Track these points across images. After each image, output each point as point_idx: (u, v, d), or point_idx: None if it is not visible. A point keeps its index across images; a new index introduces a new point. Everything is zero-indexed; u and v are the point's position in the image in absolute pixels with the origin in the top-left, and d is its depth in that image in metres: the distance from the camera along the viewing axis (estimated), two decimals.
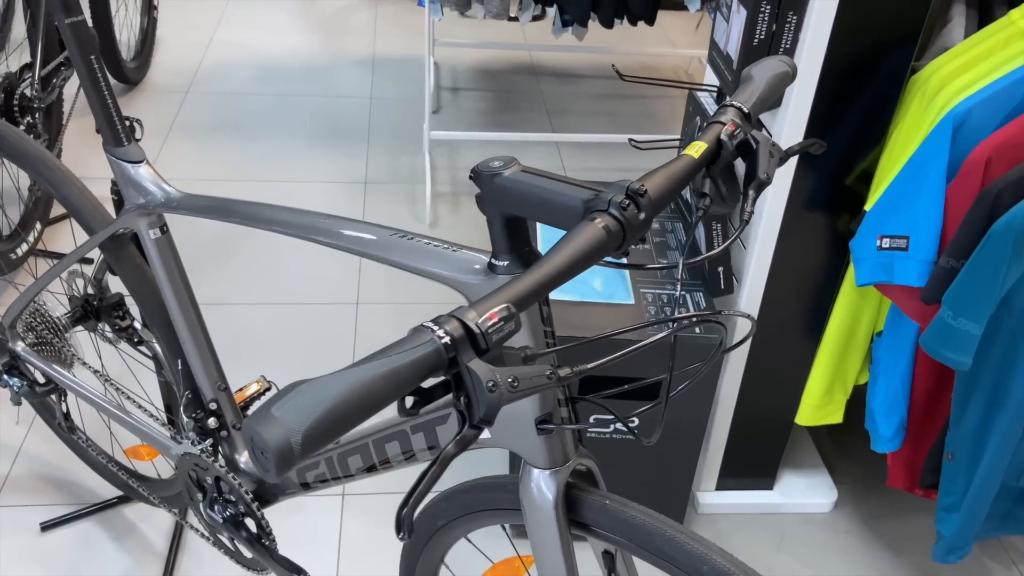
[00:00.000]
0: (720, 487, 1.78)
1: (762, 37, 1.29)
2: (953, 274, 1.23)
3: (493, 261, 0.79)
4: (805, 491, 1.81)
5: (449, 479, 1.64)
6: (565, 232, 0.66)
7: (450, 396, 0.59)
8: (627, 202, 0.68)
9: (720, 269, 1.52)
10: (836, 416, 1.67)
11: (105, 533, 1.64)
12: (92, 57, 1.05)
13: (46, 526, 1.63)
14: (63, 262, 1.28)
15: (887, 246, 1.33)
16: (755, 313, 1.54)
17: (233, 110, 3.07)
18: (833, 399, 1.65)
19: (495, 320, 0.57)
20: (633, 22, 2.41)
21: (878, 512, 1.80)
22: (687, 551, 0.82)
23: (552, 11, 2.52)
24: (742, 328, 1.57)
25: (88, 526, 1.65)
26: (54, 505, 1.68)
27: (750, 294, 1.52)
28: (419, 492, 0.59)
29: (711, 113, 1.56)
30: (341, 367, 0.52)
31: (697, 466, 1.75)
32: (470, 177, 0.76)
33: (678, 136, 1.70)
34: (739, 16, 1.32)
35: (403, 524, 0.58)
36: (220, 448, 1.29)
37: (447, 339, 0.55)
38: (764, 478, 1.79)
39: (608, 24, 2.39)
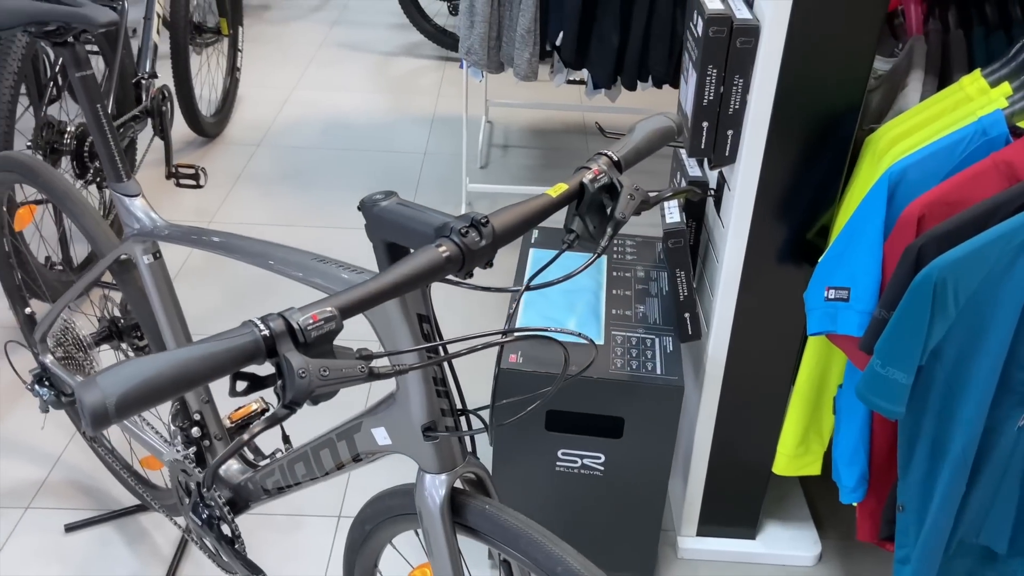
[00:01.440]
0: (701, 532, 1.82)
1: (711, 98, 1.39)
2: (884, 324, 1.27)
3: None
4: (788, 543, 1.82)
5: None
6: None
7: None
8: (468, 229, 0.78)
9: (687, 315, 1.59)
10: (814, 467, 1.70)
11: (120, 537, 1.79)
12: (99, 106, 1.23)
13: (70, 527, 1.80)
14: (80, 282, 1.45)
15: (832, 297, 1.38)
16: (723, 359, 1.60)
17: (297, 162, 3.30)
18: (809, 449, 1.68)
19: (316, 320, 0.69)
20: (657, 85, 2.52)
21: (861, 568, 1.79)
22: (546, 552, 0.90)
23: (586, 74, 2.65)
24: (712, 373, 1.62)
25: (107, 530, 1.81)
26: (81, 509, 1.85)
27: (716, 340, 1.58)
28: (223, 456, 0.70)
29: (689, 168, 1.65)
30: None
31: (676, 509, 1.80)
32: (358, 208, 0.88)
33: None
34: (692, 78, 1.42)
35: (204, 480, 0.70)
36: (205, 456, 1.43)
37: (266, 331, 0.67)
38: (746, 526, 1.81)
39: (631, 87, 2.50)
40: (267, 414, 0.69)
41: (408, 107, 3.78)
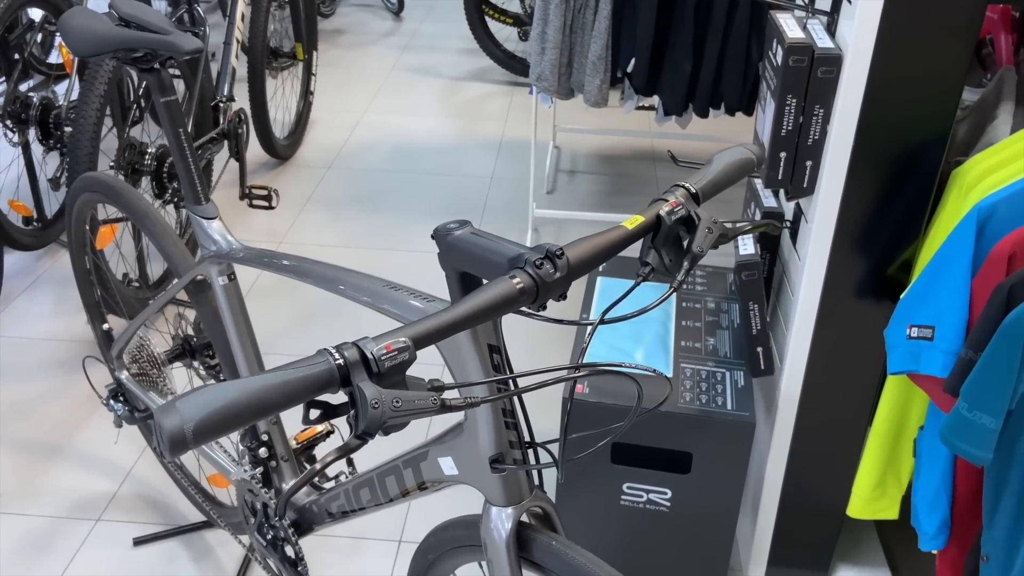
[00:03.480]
0: (770, 573, 1.76)
1: (789, 128, 1.35)
2: (971, 366, 1.22)
3: None
4: None
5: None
6: None
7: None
8: (543, 261, 0.77)
9: (759, 349, 1.55)
10: (891, 511, 1.63)
11: (186, 553, 1.82)
12: (181, 130, 1.26)
13: (138, 541, 1.83)
14: (157, 300, 1.49)
15: (915, 335, 1.33)
16: (797, 395, 1.56)
17: (367, 185, 3.35)
18: (887, 492, 1.62)
19: (390, 350, 0.68)
20: (731, 112, 2.49)
21: None
22: None
23: (656, 100, 2.63)
24: (785, 409, 1.58)
25: (173, 545, 1.84)
26: (149, 523, 1.88)
27: (790, 375, 1.54)
28: (294, 486, 0.69)
29: (763, 200, 1.62)
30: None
31: (745, 547, 1.75)
32: (432, 236, 0.88)
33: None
34: (770, 108, 1.39)
35: (277, 509, 0.69)
36: (272, 478, 1.44)
37: (340, 361, 0.66)
38: (817, 569, 1.75)
39: (703, 114, 2.47)
40: (340, 444, 0.68)
41: (476, 132, 3.80)
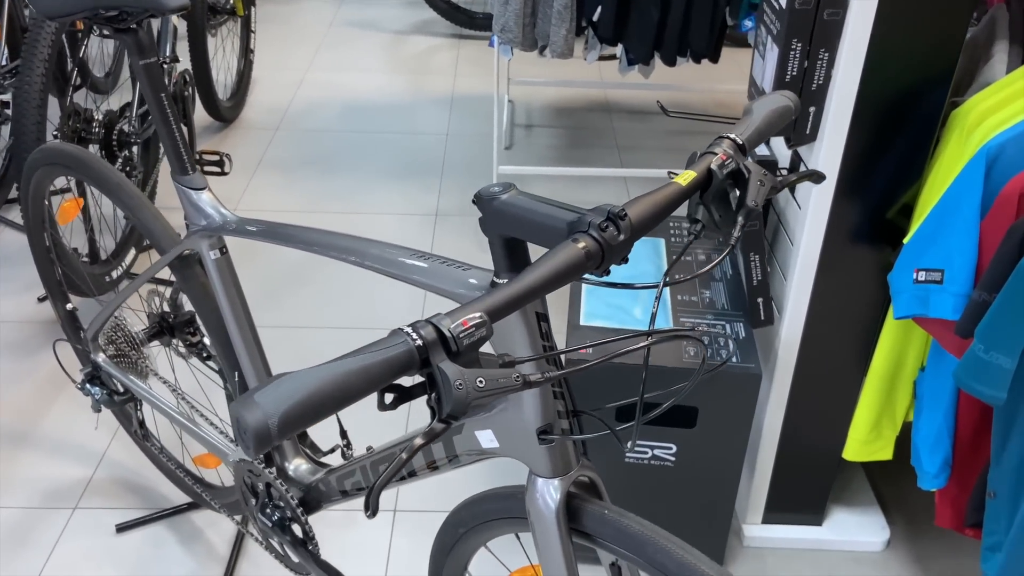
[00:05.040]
0: (767, 520, 1.78)
1: (794, 73, 1.33)
2: (985, 307, 1.23)
3: (495, 279, 0.86)
4: (856, 529, 1.79)
5: (478, 487, 1.70)
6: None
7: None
8: (607, 224, 0.73)
9: (760, 300, 1.54)
10: (886, 452, 1.66)
11: (174, 536, 1.75)
12: (163, 95, 1.17)
13: (121, 528, 1.76)
14: (139, 279, 1.40)
15: (923, 279, 1.33)
16: (796, 344, 1.56)
17: (318, 146, 3.23)
18: (882, 435, 1.64)
19: (467, 326, 0.64)
20: (697, 60, 2.46)
21: (931, 553, 1.76)
22: (677, 560, 0.85)
23: (619, 50, 2.59)
24: (785, 358, 1.58)
25: (159, 529, 1.77)
26: (130, 508, 1.80)
27: (790, 325, 1.53)
28: (385, 476, 0.65)
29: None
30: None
31: (741, 498, 1.76)
32: (473, 201, 0.83)
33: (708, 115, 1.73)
34: (772, 53, 1.36)
35: (369, 503, 0.65)
36: (273, 457, 1.38)
37: (419, 341, 0.62)
38: (812, 513, 1.78)
39: (671, 62, 2.44)
40: (425, 429, 0.64)
41: (426, 87, 3.70)
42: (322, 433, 1.47)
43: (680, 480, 1.58)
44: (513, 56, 2.55)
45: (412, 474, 1.10)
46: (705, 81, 3.50)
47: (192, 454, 1.73)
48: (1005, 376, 1.23)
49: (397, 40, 4.17)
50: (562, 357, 0.92)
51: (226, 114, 3.33)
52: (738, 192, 0.84)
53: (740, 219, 0.83)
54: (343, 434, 1.44)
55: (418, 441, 0.63)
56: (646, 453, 1.56)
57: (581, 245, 0.72)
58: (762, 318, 1.55)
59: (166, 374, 1.59)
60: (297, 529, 1.36)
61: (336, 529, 1.78)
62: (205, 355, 1.56)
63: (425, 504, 1.82)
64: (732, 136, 0.87)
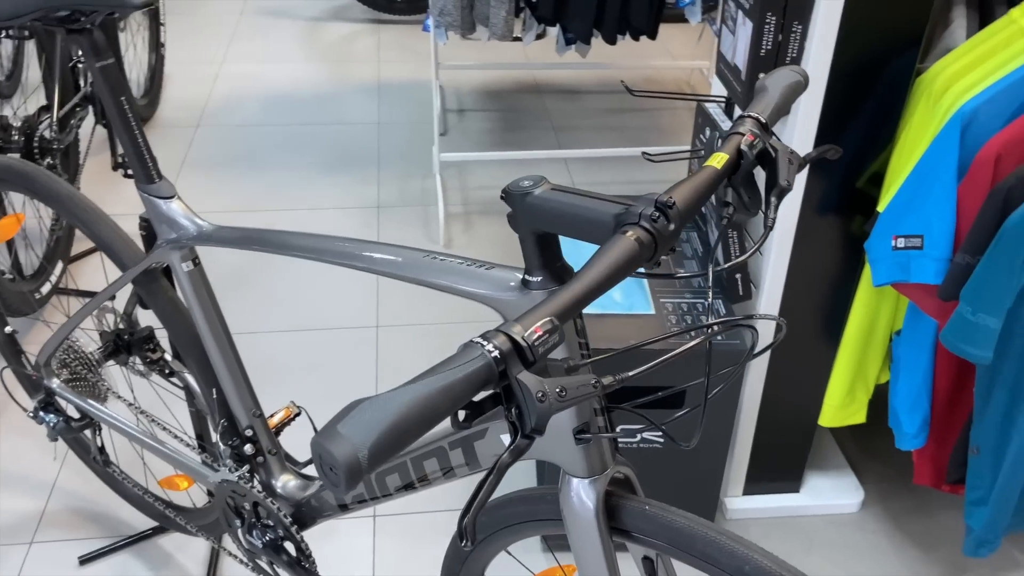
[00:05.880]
0: (747, 492, 1.80)
1: (769, 47, 1.32)
2: (969, 270, 1.25)
3: (527, 277, 0.82)
4: (832, 492, 1.82)
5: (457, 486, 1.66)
6: (597, 246, 0.69)
7: (498, 408, 0.61)
8: (657, 215, 0.70)
9: (738, 276, 1.54)
10: (859, 416, 1.69)
11: (142, 564, 1.66)
12: (123, 98, 1.09)
13: (84, 560, 1.65)
14: (97, 298, 1.31)
15: (902, 245, 1.35)
16: None
17: (244, 142, 3.11)
18: (855, 399, 1.67)
19: (540, 333, 0.60)
20: (636, 37, 2.45)
21: (905, 510, 1.81)
22: (729, 552, 0.84)
23: (555, 30, 2.55)
24: (764, 332, 1.58)
25: (125, 558, 1.67)
26: (91, 539, 1.70)
27: (768, 299, 1.54)
28: (479, 501, 0.61)
29: (721, 124, 1.59)
30: (381, 388, 0.55)
31: (724, 472, 1.77)
32: (501, 197, 0.79)
33: (688, 148, 1.72)
34: (745, 28, 1.35)
35: (466, 533, 0.61)
36: (257, 474, 1.31)
37: (496, 353, 0.58)
38: (790, 481, 1.80)
39: (611, 40, 2.42)
40: (511, 447, 0.60)
41: (350, 76, 3.60)
42: (294, 440, 1.41)
43: (669, 461, 1.58)
44: (448, 40, 2.50)
45: (425, 481, 1.06)
46: (631, 58, 3.50)
47: (158, 476, 1.64)
48: (992, 336, 1.25)
49: (313, 27, 4.04)
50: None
51: (142, 113, 3.17)
52: (766, 172, 0.82)
53: (774, 199, 0.81)
54: None
55: (506, 459, 0.59)
56: (634, 437, 1.54)
57: (634, 237, 0.69)
58: (740, 293, 1.55)
59: (125, 394, 1.50)
60: (291, 547, 1.30)
61: (316, 540, 1.71)
62: (168, 372, 1.48)
63: (407, 507, 1.78)
64: (754, 115, 0.85)
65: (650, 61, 3.34)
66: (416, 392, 0.54)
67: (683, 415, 0.84)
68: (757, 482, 1.78)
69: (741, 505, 1.79)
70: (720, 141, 0.83)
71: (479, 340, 0.59)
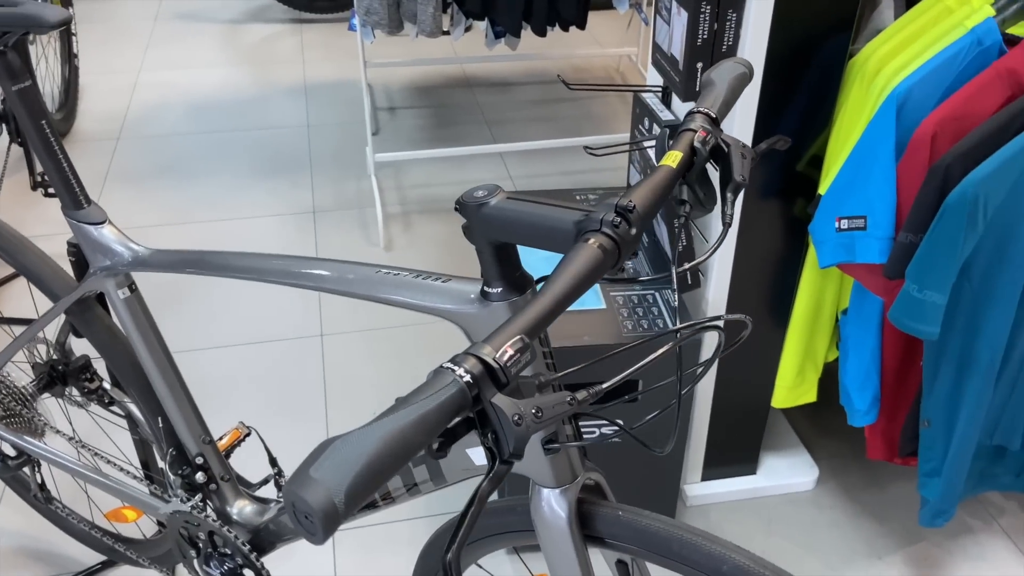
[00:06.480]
0: (706, 477, 1.81)
1: (705, 36, 1.32)
2: (912, 248, 1.27)
3: (486, 288, 0.80)
4: (787, 471, 1.84)
5: (435, 508, 1.64)
6: (561, 255, 0.67)
7: (473, 432, 0.59)
8: (618, 220, 0.69)
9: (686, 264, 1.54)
10: (810, 395, 1.71)
11: None
12: (43, 122, 1.03)
13: None
14: (28, 331, 1.24)
15: (846, 227, 1.36)
16: (723, 305, 1.57)
17: (168, 152, 3.01)
18: (806, 379, 1.69)
19: (512, 353, 0.58)
20: (565, 28, 2.44)
21: (859, 484, 1.84)
22: (706, 552, 0.83)
23: (483, 24, 2.53)
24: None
25: None
26: None
27: (716, 287, 1.54)
28: (462, 535, 0.59)
29: (659, 113, 1.58)
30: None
31: (683, 460, 1.77)
32: (456, 208, 0.76)
33: (628, 140, 1.72)
34: (680, 18, 1.34)
35: (450, 569, 0.58)
36: (210, 502, 1.27)
37: (468, 378, 0.55)
38: (747, 463, 1.82)
39: (541, 33, 2.41)
40: (489, 475, 0.58)
41: (274, 78, 3.52)
42: (246, 460, 1.37)
43: (628, 453, 1.57)
44: (375, 39, 2.45)
45: (388, 499, 1.03)
46: (558, 47, 3.49)
47: (103, 509, 1.57)
48: (938, 312, 1.28)
49: (232, 30, 3.93)
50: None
51: (58, 127, 3.04)
52: (720, 168, 0.82)
53: (730, 195, 0.80)
54: (273, 462, 1.34)
55: (485, 488, 0.57)
56: (593, 433, 1.53)
57: (597, 245, 0.67)
58: (689, 283, 1.55)
59: (64, 428, 1.43)
60: (250, 574, 1.26)
61: (275, 561, 1.66)
62: (107, 401, 1.41)
63: (364, 519, 1.74)
64: (704, 110, 0.84)
65: (578, 50, 3.33)
66: (389, 427, 0.52)
67: (653, 418, 0.83)
68: (715, 467, 1.79)
69: (700, 491, 1.80)
70: (670, 140, 0.82)
71: (449, 365, 0.56)
